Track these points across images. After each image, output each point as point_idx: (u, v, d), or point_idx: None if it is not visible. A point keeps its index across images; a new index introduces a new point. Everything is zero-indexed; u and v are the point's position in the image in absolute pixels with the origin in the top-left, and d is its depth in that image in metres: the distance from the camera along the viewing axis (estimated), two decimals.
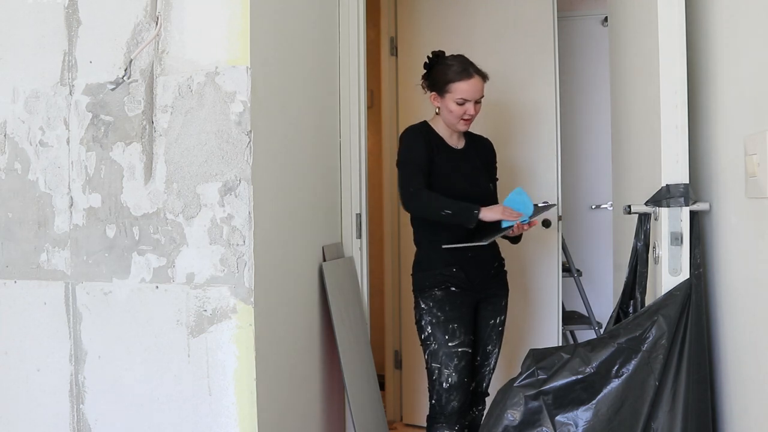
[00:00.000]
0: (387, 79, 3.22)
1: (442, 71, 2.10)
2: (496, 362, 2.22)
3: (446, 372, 2.04)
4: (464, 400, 2.07)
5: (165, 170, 1.60)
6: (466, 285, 2.10)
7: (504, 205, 2.02)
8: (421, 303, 2.10)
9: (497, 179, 2.31)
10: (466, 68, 2.07)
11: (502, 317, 2.22)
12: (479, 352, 2.19)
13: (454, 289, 2.08)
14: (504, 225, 1.98)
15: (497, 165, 2.33)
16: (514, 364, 2.88)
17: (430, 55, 2.18)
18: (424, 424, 2.14)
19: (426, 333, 2.07)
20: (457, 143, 2.19)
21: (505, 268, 2.26)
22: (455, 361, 2.03)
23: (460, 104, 2.07)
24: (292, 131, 1.85)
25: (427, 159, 2.09)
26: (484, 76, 2.11)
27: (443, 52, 2.17)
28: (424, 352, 2.09)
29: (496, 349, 2.22)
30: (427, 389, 2.11)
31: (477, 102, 2.10)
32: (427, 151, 2.10)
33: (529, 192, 2.98)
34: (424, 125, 2.19)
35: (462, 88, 2.06)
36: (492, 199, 2.19)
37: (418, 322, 2.11)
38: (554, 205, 2.32)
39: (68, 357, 1.68)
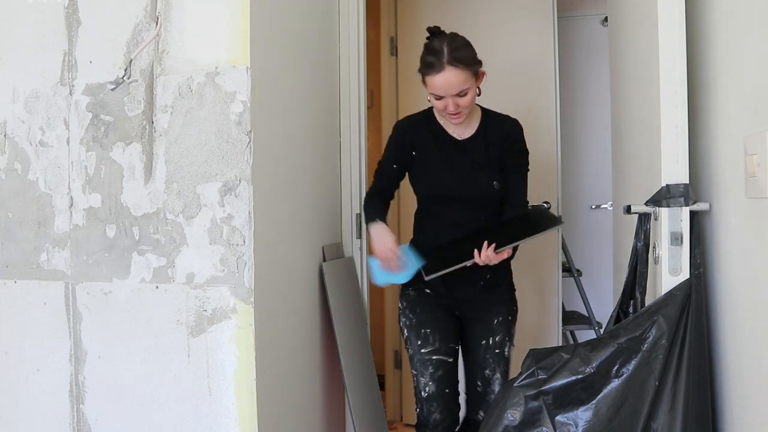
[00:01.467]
0: (387, 79, 3.23)
1: (421, 57, 1.81)
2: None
3: (423, 381, 1.88)
4: (447, 414, 1.90)
5: (165, 170, 1.60)
6: (443, 290, 1.91)
7: (400, 248, 1.81)
8: (399, 303, 1.99)
9: (524, 169, 1.94)
10: (438, 58, 1.74)
11: (498, 338, 1.92)
12: (478, 377, 1.94)
13: (428, 291, 1.92)
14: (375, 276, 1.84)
15: (522, 150, 1.94)
16: (514, 365, 2.88)
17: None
18: None
19: (404, 336, 1.96)
20: (462, 132, 1.91)
21: (505, 282, 2.00)
22: (431, 370, 1.88)
23: (438, 99, 1.80)
24: (292, 131, 1.85)
25: (400, 160, 1.93)
26: (466, 64, 1.76)
27: (437, 29, 1.85)
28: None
29: (497, 374, 1.91)
30: None
31: (460, 95, 1.77)
32: (402, 152, 1.92)
33: (529, 191, 2.99)
34: (425, 114, 1.97)
35: (432, 84, 1.77)
36: (497, 199, 1.91)
37: (399, 324, 2.00)
38: (558, 224, 2.05)
39: (68, 357, 1.68)
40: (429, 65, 1.77)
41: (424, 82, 1.82)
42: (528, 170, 1.95)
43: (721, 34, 1.37)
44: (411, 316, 1.94)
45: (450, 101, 1.79)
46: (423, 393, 1.89)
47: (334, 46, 2.31)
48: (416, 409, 1.95)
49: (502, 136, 1.91)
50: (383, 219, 1.89)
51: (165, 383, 1.60)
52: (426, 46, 1.82)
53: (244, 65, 1.53)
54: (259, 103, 1.58)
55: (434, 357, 1.89)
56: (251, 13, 1.54)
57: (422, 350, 1.90)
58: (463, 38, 1.82)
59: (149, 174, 1.61)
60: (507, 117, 1.95)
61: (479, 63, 1.82)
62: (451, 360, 1.91)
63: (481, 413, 1.91)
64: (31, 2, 1.70)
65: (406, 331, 1.95)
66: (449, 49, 1.75)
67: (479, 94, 1.87)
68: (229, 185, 1.54)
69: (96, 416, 1.66)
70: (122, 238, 1.63)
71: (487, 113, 1.95)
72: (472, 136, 1.92)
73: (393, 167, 1.96)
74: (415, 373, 1.92)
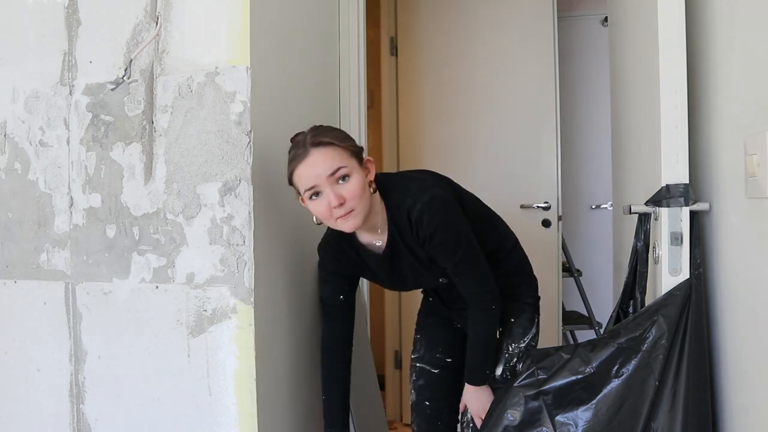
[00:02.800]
0: (387, 79, 3.23)
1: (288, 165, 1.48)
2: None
3: (410, 387, 1.83)
4: (426, 428, 1.79)
5: (165, 170, 1.60)
6: (443, 298, 1.79)
7: None
8: None
9: (455, 253, 1.51)
10: (301, 144, 1.45)
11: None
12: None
13: (430, 299, 1.86)
14: None
15: (438, 236, 1.49)
16: None
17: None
18: None
19: None
20: (377, 239, 1.57)
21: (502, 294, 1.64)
22: (414, 377, 1.81)
23: (315, 198, 1.43)
24: (292, 131, 1.85)
25: (342, 287, 1.68)
26: (336, 143, 1.43)
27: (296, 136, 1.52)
28: None
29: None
30: None
31: (339, 179, 1.41)
32: (342, 278, 1.66)
33: (529, 191, 2.99)
34: (333, 235, 1.63)
35: (300, 177, 1.43)
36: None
37: None
38: None
39: (68, 357, 1.68)
40: (292, 159, 1.45)
41: (295, 187, 1.48)
42: (462, 248, 1.50)
43: (721, 33, 1.37)
44: (417, 319, 1.90)
45: (330, 193, 1.40)
46: (410, 399, 1.83)
47: (334, 46, 2.30)
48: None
49: (413, 233, 1.51)
50: (340, 427, 1.69)
51: (165, 383, 1.60)
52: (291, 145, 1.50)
53: (244, 65, 1.53)
54: (259, 103, 1.58)
55: (417, 364, 1.82)
56: (251, 13, 1.54)
57: (412, 355, 1.85)
58: (330, 126, 1.54)
59: (149, 174, 1.61)
60: (409, 202, 1.48)
61: (360, 148, 1.48)
62: (436, 371, 1.78)
63: None
64: (31, 2, 1.70)
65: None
66: (312, 134, 1.45)
67: (374, 191, 1.48)
68: (229, 185, 1.54)
69: (96, 416, 1.66)
70: (122, 238, 1.63)
71: (389, 206, 1.52)
72: (387, 243, 1.55)
73: (340, 298, 1.68)
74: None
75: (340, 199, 1.41)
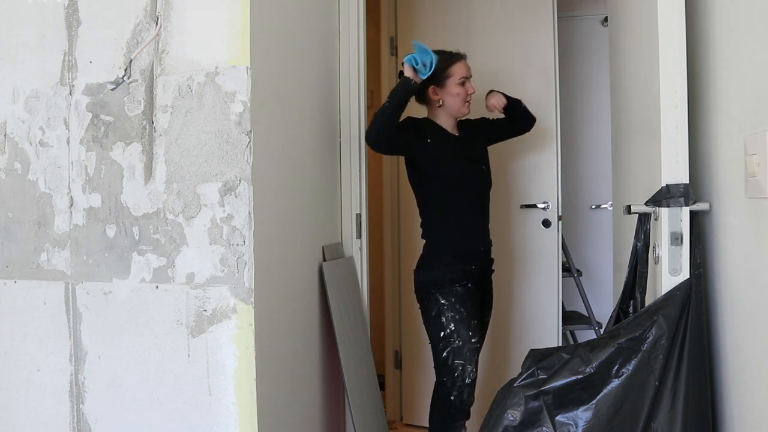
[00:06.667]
0: (387, 79, 3.22)
1: (438, 59, 2.20)
2: None
3: (469, 368, 2.09)
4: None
5: (165, 170, 1.60)
6: (479, 283, 2.20)
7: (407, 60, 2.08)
8: (441, 298, 2.11)
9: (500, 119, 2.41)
10: (451, 53, 2.21)
11: (489, 316, 2.36)
12: None
13: (470, 285, 2.15)
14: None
15: (489, 118, 2.42)
16: (514, 364, 2.88)
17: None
18: (424, 424, 2.15)
19: (449, 330, 2.10)
20: (455, 131, 2.29)
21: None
22: (476, 357, 2.10)
23: (462, 84, 2.20)
24: (292, 131, 1.85)
25: (408, 140, 2.16)
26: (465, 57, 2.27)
27: None
28: (444, 349, 2.10)
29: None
30: (426, 388, 2.11)
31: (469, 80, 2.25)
32: (413, 138, 2.17)
33: (529, 191, 2.99)
34: (426, 120, 2.27)
35: (460, 69, 2.20)
36: (489, 182, 2.32)
37: (435, 318, 2.12)
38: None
39: (68, 357, 1.68)
40: (449, 60, 2.19)
41: (445, 76, 2.18)
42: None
43: (722, 33, 1.37)
44: (462, 309, 2.10)
45: (469, 84, 2.23)
46: (468, 380, 2.10)
47: (334, 46, 2.30)
48: (451, 398, 2.11)
49: (475, 125, 2.34)
50: None
51: (165, 383, 1.60)
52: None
53: (244, 65, 1.53)
54: (259, 103, 1.58)
55: (478, 345, 2.14)
56: (251, 13, 1.54)
57: (472, 340, 2.10)
58: None
59: (149, 174, 1.61)
60: (466, 119, 2.36)
61: None
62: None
63: None
64: (31, 2, 1.70)
65: (453, 324, 2.10)
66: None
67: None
68: (229, 185, 1.54)
69: (96, 416, 1.66)
70: (122, 238, 1.63)
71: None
72: (461, 133, 2.29)
73: (405, 140, 2.17)
74: (461, 362, 2.09)
75: (473, 90, 2.25)
